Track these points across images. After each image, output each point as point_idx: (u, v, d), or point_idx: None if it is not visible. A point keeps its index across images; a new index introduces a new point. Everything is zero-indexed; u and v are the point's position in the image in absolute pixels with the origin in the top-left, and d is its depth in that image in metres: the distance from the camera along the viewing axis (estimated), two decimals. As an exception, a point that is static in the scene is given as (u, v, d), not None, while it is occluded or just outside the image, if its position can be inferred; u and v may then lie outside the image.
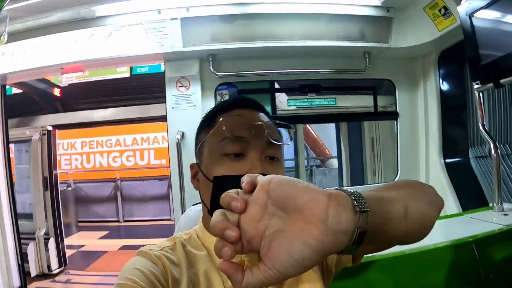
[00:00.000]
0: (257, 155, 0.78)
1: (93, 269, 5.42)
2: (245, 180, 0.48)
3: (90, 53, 2.34)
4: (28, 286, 3.27)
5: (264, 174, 0.49)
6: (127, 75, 7.40)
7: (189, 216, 1.14)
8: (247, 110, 0.84)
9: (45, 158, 4.98)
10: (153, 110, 8.23)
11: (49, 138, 5.04)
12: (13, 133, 4.81)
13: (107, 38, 2.31)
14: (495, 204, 1.84)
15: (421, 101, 2.76)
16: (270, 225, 0.45)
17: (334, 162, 8.76)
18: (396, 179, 2.82)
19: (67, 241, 5.57)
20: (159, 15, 2.30)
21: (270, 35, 2.38)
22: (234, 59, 2.54)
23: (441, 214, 0.65)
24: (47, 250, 4.88)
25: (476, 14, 1.76)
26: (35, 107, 8.61)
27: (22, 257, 3.06)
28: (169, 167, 2.49)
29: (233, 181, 0.51)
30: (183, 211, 2.08)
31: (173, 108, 2.49)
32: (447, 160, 2.67)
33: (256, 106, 0.88)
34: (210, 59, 2.46)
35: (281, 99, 3.47)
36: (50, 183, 5.01)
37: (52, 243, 4.96)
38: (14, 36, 2.29)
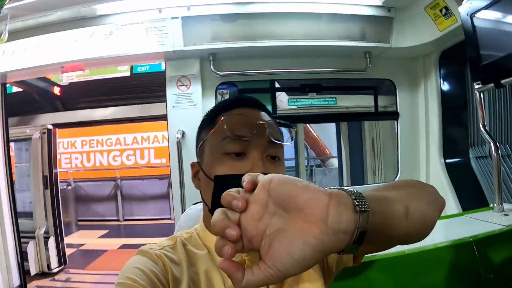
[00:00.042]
0: (259, 154, 0.78)
1: (93, 268, 5.43)
2: (246, 179, 0.48)
3: (91, 52, 2.34)
4: (28, 285, 3.27)
5: (265, 173, 0.49)
6: (128, 74, 7.41)
7: (190, 215, 1.14)
8: (249, 109, 0.84)
9: (45, 156, 4.98)
10: (153, 109, 8.23)
11: (49, 136, 5.05)
12: (13, 132, 4.82)
13: (108, 37, 2.30)
14: (495, 205, 1.84)
15: (421, 101, 2.76)
16: (271, 224, 0.45)
17: (334, 162, 8.77)
18: (396, 179, 2.82)
19: (67, 240, 5.58)
20: (159, 14, 2.30)
21: (271, 34, 2.38)
22: (234, 58, 2.54)
23: (441, 214, 0.65)
24: (47, 249, 4.89)
25: (477, 15, 1.75)
26: (35, 105, 8.62)
27: (22, 256, 3.06)
28: (169, 166, 2.49)
29: (234, 180, 0.51)
30: (183, 210, 2.09)
31: (173, 107, 2.49)
32: (447, 160, 2.67)
33: (258, 105, 0.87)
34: (211, 58, 2.46)
35: (282, 98, 3.47)
36: (50, 181, 5.01)
37: (52, 242, 4.97)
38: (14, 35, 2.29)
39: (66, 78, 7.38)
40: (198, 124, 0.91)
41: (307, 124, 8.25)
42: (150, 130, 9.13)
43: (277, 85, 2.76)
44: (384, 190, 0.57)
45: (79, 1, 2.24)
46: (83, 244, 6.89)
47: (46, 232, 4.94)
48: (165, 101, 2.53)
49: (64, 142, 9.27)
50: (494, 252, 1.44)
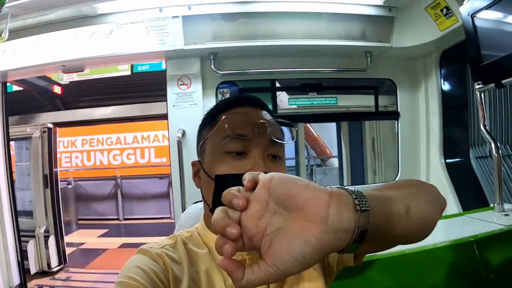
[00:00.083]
0: (260, 154, 0.77)
1: (93, 267, 5.43)
2: (246, 177, 0.48)
3: (91, 51, 2.34)
4: (27, 284, 3.27)
5: (266, 173, 0.49)
6: (128, 73, 7.43)
7: (190, 214, 1.14)
8: (250, 108, 0.84)
9: (45, 155, 4.99)
10: (153, 108, 8.24)
11: (49, 135, 5.05)
12: (14, 131, 4.82)
13: (108, 36, 2.30)
14: (495, 205, 1.84)
15: (422, 101, 2.76)
16: (271, 223, 0.45)
17: (335, 161, 8.78)
18: (396, 179, 2.82)
19: (67, 239, 5.58)
20: (160, 13, 2.30)
21: (271, 33, 2.38)
22: (235, 57, 2.54)
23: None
24: (47, 247, 4.89)
25: (478, 15, 1.75)
26: (35, 104, 8.63)
27: (22, 255, 3.06)
28: (170, 165, 2.49)
29: (235, 180, 0.51)
30: (183, 209, 2.09)
31: (174, 106, 2.49)
32: (447, 160, 2.67)
33: (259, 104, 0.87)
34: (212, 57, 2.46)
35: (282, 98, 3.47)
36: (50, 180, 5.02)
37: (52, 240, 4.98)
38: (15, 33, 2.29)
39: (67, 77, 7.41)
40: (199, 123, 0.91)
41: (308, 124, 8.25)
42: (151, 129, 9.14)
43: (277, 85, 2.76)
44: (385, 190, 0.57)
45: (80, 0, 2.23)
46: (83, 243, 6.90)
47: (46, 231, 4.95)
48: (166, 100, 2.53)
49: (64, 141, 9.29)
50: (494, 252, 1.44)
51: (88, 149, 9.45)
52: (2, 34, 2.09)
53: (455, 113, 2.78)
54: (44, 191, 4.98)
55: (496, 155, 1.92)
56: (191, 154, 2.34)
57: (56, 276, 4.97)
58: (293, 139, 0.93)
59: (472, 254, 1.40)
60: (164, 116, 2.62)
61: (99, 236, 7.57)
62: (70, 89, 8.42)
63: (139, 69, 7.37)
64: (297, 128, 0.96)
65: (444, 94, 2.67)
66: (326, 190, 0.45)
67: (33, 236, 4.82)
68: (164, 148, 8.67)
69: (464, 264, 1.40)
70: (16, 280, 2.97)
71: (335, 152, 8.23)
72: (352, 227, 0.43)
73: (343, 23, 2.43)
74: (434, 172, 2.70)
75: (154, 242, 0.79)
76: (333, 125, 7.20)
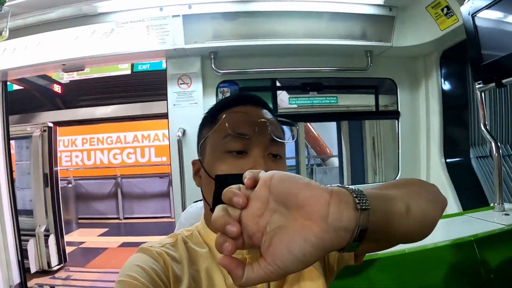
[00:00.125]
0: (260, 153, 0.77)
1: (93, 266, 5.43)
2: (247, 175, 0.48)
3: (92, 50, 2.34)
4: (28, 283, 3.27)
5: (266, 171, 0.49)
6: (128, 72, 7.43)
7: (190, 213, 1.14)
8: (250, 107, 0.83)
9: (45, 154, 4.98)
10: (154, 107, 8.24)
11: (49, 134, 5.05)
12: (14, 130, 4.82)
13: (109, 35, 2.30)
14: (496, 204, 1.84)
15: (422, 101, 2.76)
16: (272, 221, 0.45)
17: (335, 161, 8.77)
18: (397, 179, 2.82)
19: (67, 237, 5.59)
20: (161, 12, 2.30)
21: (272, 33, 2.38)
22: (235, 56, 2.54)
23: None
24: (47, 246, 4.89)
25: (478, 14, 1.75)
26: (36, 103, 8.62)
27: (22, 254, 3.06)
28: (170, 164, 2.49)
29: (236, 180, 0.51)
30: (183, 208, 2.09)
31: (174, 105, 2.49)
32: (448, 160, 2.67)
33: (260, 103, 0.86)
34: (212, 56, 2.46)
35: (282, 97, 3.47)
36: (50, 179, 5.02)
37: (52, 239, 4.97)
38: (15, 32, 2.29)
39: (67, 76, 7.41)
40: (199, 122, 0.91)
41: (308, 123, 8.25)
42: (151, 128, 9.14)
43: (278, 84, 2.76)
44: (385, 189, 0.57)
45: (80, -1, 2.24)
46: (83, 242, 6.90)
47: (46, 230, 4.94)
48: (166, 99, 2.53)
49: (64, 140, 9.29)
50: (494, 251, 1.44)
51: (88, 148, 9.45)
52: (3, 33, 2.09)
53: (455, 113, 2.78)
54: (44, 190, 4.97)
55: (496, 154, 1.92)
56: (191, 153, 2.34)
57: (56, 275, 4.97)
58: (293, 138, 0.92)
59: (473, 254, 1.40)
60: (165, 115, 2.62)
61: (99, 235, 7.57)
62: (70, 88, 8.42)
63: (140, 68, 7.37)
64: (297, 127, 0.96)
65: (444, 94, 2.67)
66: (327, 189, 0.45)
67: (33, 235, 4.82)
68: (164, 147, 8.66)
69: (464, 264, 1.40)
70: (16, 279, 2.97)
71: (335, 151, 8.23)
72: (352, 226, 0.43)
73: (344, 22, 2.43)
74: (434, 171, 2.70)
75: (154, 241, 0.79)
76: (333, 125, 7.20)
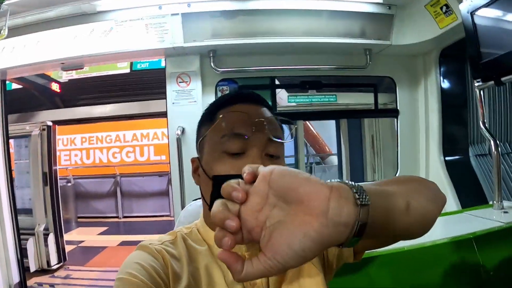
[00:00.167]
0: (258, 153, 0.76)
1: (92, 265, 5.44)
2: (246, 170, 0.48)
3: (91, 48, 2.34)
4: (27, 282, 3.27)
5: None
6: (127, 70, 7.41)
7: (189, 211, 1.14)
8: (249, 105, 0.82)
9: (44, 153, 4.98)
10: (153, 106, 8.23)
11: (48, 133, 5.04)
12: (13, 128, 4.81)
13: (108, 33, 2.30)
14: (495, 202, 1.84)
15: (421, 99, 2.76)
16: (271, 216, 0.45)
17: (334, 159, 8.79)
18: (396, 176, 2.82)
19: (66, 236, 5.58)
20: (160, 10, 2.30)
21: (271, 31, 2.38)
22: (234, 55, 2.54)
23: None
24: (46, 245, 4.89)
25: (477, 12, 1.75)
26: (34, 102, 8.61)
27: (22, 253, 3.06)
28: (169, 163, 2.49)
29: None
30: (183, 207, 2.09)
31: (173, 103, 2.48)
32: (447, 158, 2.67)
33: (259, 100, 0.85)
34: (211, 54, 2.46)
35: (281, 95, 3.48)
36: (49, 178, 5.01)
37: (51, 238, 4.97)
38: (14, 31, 2.28)
39: (66, 75, 7.40)
40: (198, 121, 0.91)
41: (307, 121, 8.25)
42: (150, 127, 9.13)
43: (277, 82, 2.76)
44: (385, 185, 0.57)
45: (79, -3, 2.24)
46: (82, 241, 6.90)
47: (46, 229, 4.94)
48: (165, 98, 2.52)
49: (63, 139, 9.28)
50: (493, 249, 1.45)
51: (88, 147, 9.44)
52: (2, 32, 2.08)
53: (454, 111, 2.78)
54: (44, 189, 4.97)
55: (495, 152, 1.92)
56: (190, 151, 2.34)
57: (56, 274, 4.97)
58: (292, 137, 0.92)
59: (471, 251, 1.41)
60: (164, 114, 2.62)
61: (98, 234, 7.57)
62: (69, 87, 8.40)
63: (138, 66, 7.35)
64: (296, 126, 0.95)
65: (443, 92, 2.67)
66: (327, 184, 0.45)
67: (33, 234, 4.82)
68: (164, 146, 8.66)
69: (463, 261, 1.40)
70: (16, 278, 2.97)
71: (334, 149, 8.24)
72: (352, 221, 0.43)
73: (343, 21, 2.43)
74: (434, 169, 2.70)
75: (154, 238, 0.79)
76: (332, 123, 7.22)
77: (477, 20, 1.76)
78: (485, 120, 2.02)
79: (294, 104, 3.25)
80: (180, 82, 2.48)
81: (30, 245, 4.74)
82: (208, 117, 0.85)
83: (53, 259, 4.98)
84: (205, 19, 2.32)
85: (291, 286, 0.76)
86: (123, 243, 6.63)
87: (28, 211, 4.98)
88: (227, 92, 2.59)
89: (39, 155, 4.93)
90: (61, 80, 8.14)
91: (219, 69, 2.49)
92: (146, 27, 2.30)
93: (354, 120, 5.54)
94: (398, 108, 2.76)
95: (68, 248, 5.53)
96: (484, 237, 1.45)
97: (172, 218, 5.72)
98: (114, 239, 6.96)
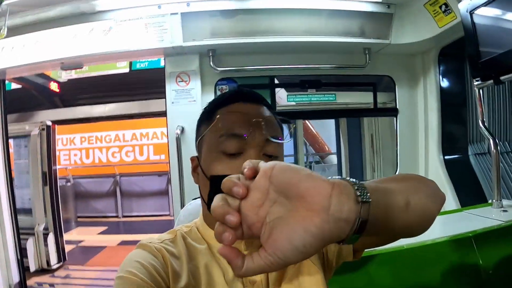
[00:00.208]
0: (255, 153, 0.76)
1: (92, 264, 5.44)
2: (246, 166, 0.48)
3: (90, 48, 2.34)
4: (27, 281, 3.27)
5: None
6: (127, 70, 7.41)
7: (189, 210, 1.15)
8: (247, 104, 0.82)
9: (44, 153, 4.98)
10: (152, 105, 8.23)
11: (48, 133, 5.04)
12: (12, 128, 4.81)
13: (107, 33, 2.30)
14: (494, 201, 1.84)
15: (421, 98, 2.76)
16: (272, 211, 0.45)
17: (334, 158, 8.79)
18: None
19: (66, 236, 5.59)
20: (159, 9, 2.29)
21: (270, 30, 2.38)
22: (234, 54, 2.54)
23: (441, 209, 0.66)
24: (46, 245, 4.89)
25: (476, 11, 1.75)
26: (34, 102, 8.60)
27: (21, 252, 3.06)
28: (169, 162, 2.49)
29: None
30: (182, 206, 2.09)
31: (173, 103, 2.48)
32: (446, 157, 2.67)
33: (258, 99, 0.85)
34: (210, 54, 2.46)
35: (281, 95, 3.48)
36: (49, 178, 5.01)
37: (51, 238, 4.98)
38: (13, 31, 2.28)
39: (65, 75, 7.39)
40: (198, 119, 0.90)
41: (306, 121, 8.26)
42: (149, 127, 9.13)
43: (276, 81, 2.76)
44: (385, 183, 0.57)
45: (78, -3, 2.23)
46: (82, 241, 6.90)
47: (46, 228, 4.95)
48: (164, 97, 2.52)
49: (63, 138, 9.28)
50: (492, 247, 1.45)
51: (87, 146, 9.44)
52: (1, 31, 2.09)
53: (453, 110, 2.78)
54: (43, 189, 4.97)
55: (494, 151, 1.92)
56: (190, 151, 2.34)
57: (56, 273, 4.97)
58: (291, 136, 0.92)
59: (471, 250, 1.41)
60: (163, 113, 2.62)
61: (98, 234, 7.58)
62: (68, 87, 8.39)
63: (138, 66, 7.34)
64: (294, 125, 0.95)
65: (442, 91, 2.67)
66: (328, 180, 0.45)
67: (32, 234, 4.83)
68: (163, 145, 8.66)
69: (462, 260, 1.41)
70: (16, 278, 2.97)
71: (334, 149, 8.24)
72: (352, 218, 0.43)
73: (342, 20, 2.43)
74: (433, 168, 2.70)
75: (153, 237, 0.80)
76: (331, 122, 7.22)
77: (476, 19, 1.76)
78: (485, 119, 2.02)
79: (293, 103, 3.24)
80: (179, 82, 2.48)
81: (30, 245, 4.74)
82: (207, 116, 0.85)
83: (53, 259, 4.98)
84: (205, 18, 2.32)
85: (290, 285, 0.77)
86: (123, 243, 6.63)
87: (28, 211, 4.98)
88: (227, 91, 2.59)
89: (39, 155, 4.93)
90: (60, 80, 8.13)
91: (219, 68, 2.49)
92: (145, 27, 2.29)
93: (353, 119, 5.54)
94: (398, 107, 2.77)
95: (68, 247, 5.54)
96: (483, 236, 1.45)
97: (172, 218, 5.72)
98: (114, 239, 6.96)
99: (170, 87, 2.49)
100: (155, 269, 0.68)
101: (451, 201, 2.47)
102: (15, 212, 3.00)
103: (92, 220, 8.68)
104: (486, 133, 1.98)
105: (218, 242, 0.45)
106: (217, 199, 0.46)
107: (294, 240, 0.43)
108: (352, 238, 0.45)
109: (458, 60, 2.78)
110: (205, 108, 0.88)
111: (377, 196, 0.47)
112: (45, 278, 4.77)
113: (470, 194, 2.61)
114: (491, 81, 1.76)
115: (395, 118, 2.80)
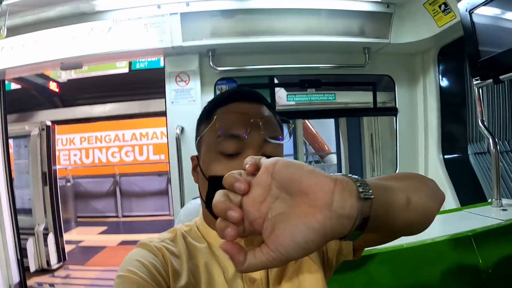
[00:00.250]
0: (254, 154, 0.75)
1: (92, 264, 5.44)
2: (248, 161, 0.48)
3: (89, 48, 2.33)
4: (27, 282, 3.27)
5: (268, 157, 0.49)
6: (126, 70, 7.40)
7: (189, 210, 1.15)
8: (246, 104, 0.81)
9: (44, 153, 4.98)
10: (152, 105, 8.23)
11: (48, 133, 5.04)
12: (12, 128, 4.80)
13: (107, 33, 2.30)
14: (493, 200, 1.85)
15: (420, 97, 2.76)
16: (273, 207, 0.45)
17: (333, 158, 8.80)
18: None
19: (66, 236, 5.59)
20: (158, 9, 2.29)
21: (270, 30, 2.38)
22: (233, 54, 2.54)
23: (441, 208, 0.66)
24: (46, 245, 4.89)
25: (476, 11, 1.76)
26: (34, 102, 8.61)
27: (21, 253, 3.06)
28: (168, 162, 2.49)
29: None
30: (182, 206, 2.09)
31: (172, 103, 2.48)
32: (446, 156, 2.68)
33: (257, 98, 0.85)
34: (210, 54, 2.46)
35: (280, 94, 3.48)
36: (49, 178, 5.01)
37: (51, 238, 4.98)
38: (13, 31, 2.28)
39: (65, 75, 7.39)
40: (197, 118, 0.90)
41: (306, 120, 8.25)
42: (149, 126, 9.13)
43: (276, 81, 2.76)
44: (385, 180, 0.57)
45: (78, -3, 2.23)
46: (82, 241, 6.90)
47: (45, 228, 4.95)
48: (164, 97, 2.52)
49: (63, 138, 9.28)
50: (492, 246, 1.45)
51: (87, 146, 9.44)
52: (1, 32, 2.09)
53: (453, 109, 2.78)
54: (43, 189, 4.98)
55: (494, 150, 1.92)
56: (189, 150, 2.34)
57: (56, 273, 4.97)
58: (290, 136, 0.91)
59: (470, 249, 1.41)
60: (163, 113, 2.62)
61: (98, 234, 7.58)
62: (68, 87, 8.39)
63: (137, 66, 7.33)
64: (292, 125, 0.95)
65: (442, 90, 2.67)
66: (331, 177, 0.45)
67: (33, 234, 4.83)
68: (163, 145, 8.66)
69: (462, 259, 1.41)
70: (16, 278, 2.97)
71: (333, 148, 8.25)
72: (355, 214, 0.44)
73: (341, 19, 2.43)
74: (433, 168, 2.70)
75: (154, 236, 0.80)
76: (331, 122, 7.22)
77: (476, 19, 1.77)
78: (484, 118, 2.02)
79: (293, 102, 3.25)
80: (179, 81, 2.48)
81: (30, 245, 4.74)
82: (206, 115, 0.85)
83: (53, 259, 4.98)
84: (204, 18, 2.32)
85: (291, 283, 0.77)
86: (123, 243, 6.63)
87: (28, 211, 4.98)
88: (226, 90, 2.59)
89: (39, 155, 4.93)
90: (60, 80, 8.13)
91: (218, 68, 2.49)
92: (145, 27, 2.29)
93: (353, 118, 5.54)
94: (397, 106, 2.77)
95: (67, 247, 5.54)
96: (483, 235, 1.45)
97: (172, 218, 5.72)
98: (114, 239, 6.96)
99: (170, 87, 2.49)
100: (156, 268, 0.68)
101: (450, 200, 2.47)
102: (15, 212, 3.01)
103: (92, 220, 8.68)
104: (486, 132, 1.98)
105: (220, 237, 0.45)
106: (219, 194, 0.46)
107: (296, 236, 0.43)
108: (354, 234, 0.45)
109: (458, 59, 2.78)
110: (204, 108, 0.88)
111: (379, 193, 0.48)
112: (45, 278, 4.78)
113: (470, 193, 2.61)
114: (491, 80, 1.76)
115: (394, 118, 2.80)
